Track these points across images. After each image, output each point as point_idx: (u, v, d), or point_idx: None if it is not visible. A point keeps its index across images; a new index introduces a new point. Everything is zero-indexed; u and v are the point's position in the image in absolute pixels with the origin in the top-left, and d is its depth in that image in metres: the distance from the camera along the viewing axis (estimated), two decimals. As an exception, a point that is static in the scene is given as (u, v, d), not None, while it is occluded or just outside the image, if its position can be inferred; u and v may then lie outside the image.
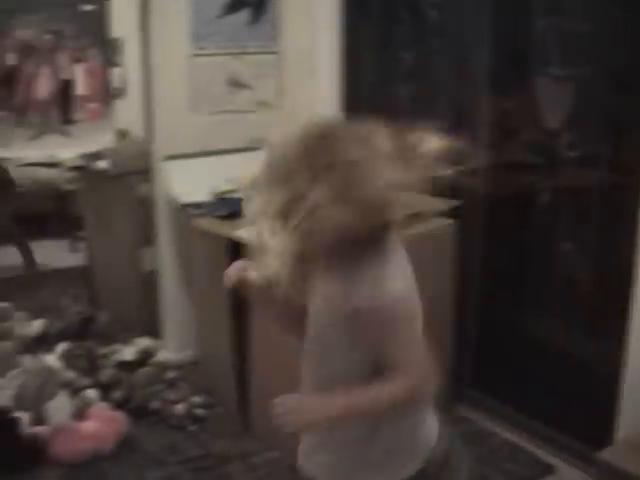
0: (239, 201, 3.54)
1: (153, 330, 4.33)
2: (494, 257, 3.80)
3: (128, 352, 4.04)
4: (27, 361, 3.89)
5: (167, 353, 4.11)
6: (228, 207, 3.51)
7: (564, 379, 3.56)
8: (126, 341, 4.24)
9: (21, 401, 3.59)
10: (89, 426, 3.45)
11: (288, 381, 3.35)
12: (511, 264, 3.76)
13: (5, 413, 3.47)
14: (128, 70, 4.94)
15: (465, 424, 3.74)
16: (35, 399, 3.56)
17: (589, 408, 3.45)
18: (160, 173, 3.99)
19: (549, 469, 3.44)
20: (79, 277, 5.36)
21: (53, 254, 6.09)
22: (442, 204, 3.57)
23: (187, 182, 3.79)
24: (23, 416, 3.49)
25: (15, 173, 6.25)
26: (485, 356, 3.88)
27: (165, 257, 4.16)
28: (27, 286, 5.39)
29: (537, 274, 3.69)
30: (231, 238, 3.38)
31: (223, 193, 3.65)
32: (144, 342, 4.15)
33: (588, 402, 3.48)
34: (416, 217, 3.44)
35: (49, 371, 3.60)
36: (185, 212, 3.72)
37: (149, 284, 4.36)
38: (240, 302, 3.55)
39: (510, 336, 3.83)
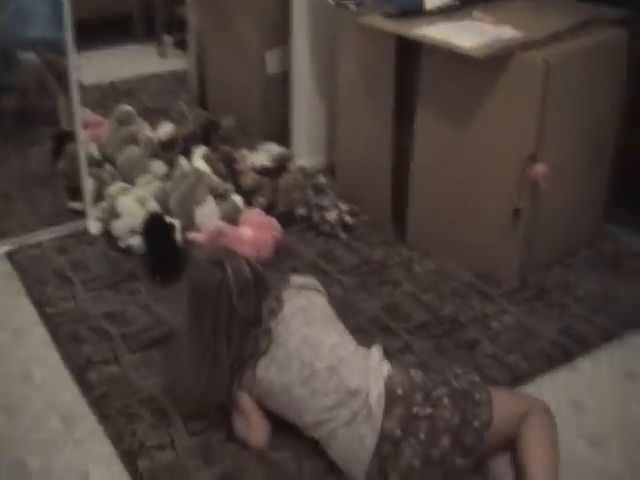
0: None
1: (279, 136, 4.17)
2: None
3: (261, 158, 3.87)
4: (157, 166, 3.74)
5: (303, 160, 3.96)
6: (400, 4, 3.26)
7: None
8: (251, 147, 4.07)
9: (169, 206, 3.47)
10: (247, 232, 3.35)
11: (452, 190, 3.26)
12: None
13: (159, 218, 3.36)
14: None
15: (615, 243, 3.67)
16: (185, 204, 3.44)
17: None
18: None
19: None
20: (179, 82, 5.16)
21: (140, 59, 5.82)
22: (612, 13, 3.34)
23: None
24: (174, 222, 3.38)
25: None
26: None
27: (298, 58, 3.94)
28: (126, 92, 5.18)
29: None
30: (403, 37, 3.17)
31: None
32: (274, 148, 3.98)
33: None
34: (585, 27, 3.23)
35: (198, 174, 3.44)
36: (341, 9, 3.46)
37: (275, 88, 4.17)
38: (402, 106, 3.40)
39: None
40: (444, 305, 3.18)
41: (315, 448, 2.43)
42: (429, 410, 2.24)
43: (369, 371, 2.33)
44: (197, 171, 3.43)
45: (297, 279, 2.61)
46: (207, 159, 3.59)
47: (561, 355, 2.96)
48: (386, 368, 2.36)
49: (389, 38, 3.27)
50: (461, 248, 3.37)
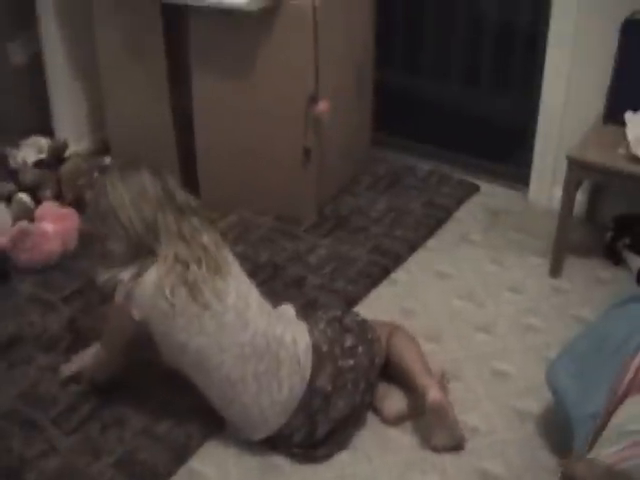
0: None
1: (37, 127, 4.02)
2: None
3: (29, 153, 3.74)
4: None
5: (76, 145, 3.87)
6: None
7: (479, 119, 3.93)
8: (13, 144, 3.90)
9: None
10: (49, 227, 3.27)
11: (240, 143, 3.37)
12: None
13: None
14: None
15: (386, 164, 3.97)
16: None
17: (507, 134, 3.87)
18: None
19: (476, 188, 3.82)
20: None
21: None
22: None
23: None
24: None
25: None
26: (397, 100, 4.05)
27: (49, 44, 3.83)
28: None
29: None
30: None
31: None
32: (39, 141, 3.84)
33: (505, 129, 3.89)
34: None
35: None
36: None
37: (24, 78, 4.00)
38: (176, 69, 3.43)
39: (416, 88, 4.11)
40: (258, 253, 3.31)
41: (194, 410, 2.53)
42: (351, 362, 2.40)
43: (291, 323, 2.44)
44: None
45: None
46: (-23, 164, 3.43)
47: (379, 272, 3.22)
48: (303, 323, 2.47)
49: (152, 3, 3.28)
50: (258, 197, 3.50)
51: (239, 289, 2.37)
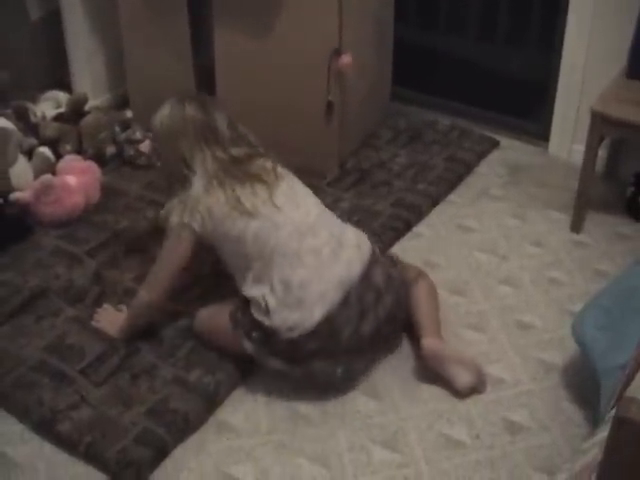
0: None
1: (55, 82, 4.01)
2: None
3: (48, 107, 3.74)
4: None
5: (94, 100, 3.86)
6: None
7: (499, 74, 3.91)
8: (32, 99, 3.90)
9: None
10: (72, 180, 3.27)
11: (263, 96, 3.36)
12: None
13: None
14: None
15: (406, 118, 3.95)
16: (-1, 165, 3.28)
17: (527, 89, 3.85)
18: None
19: (496, 143, 3.81)
20: None
21: None
22: None
23: None
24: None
25: None
26: (417, 55, 4.05)
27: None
28: None
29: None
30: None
31: None
32: (58, 95, 3.84)
33: (525, 84, 3.87)
34: None
35: (5, 134, 3.27)
36: None
37: (42, 32, 3.98)
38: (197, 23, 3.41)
39: (436, 43, 4.10)
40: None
41: (222, 358, 2.57)
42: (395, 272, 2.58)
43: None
44: (3, 130, 3.26)
45: None
46: (6, 116, 3.42)
47: (402, 225, 3.22)
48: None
49: None
50: (280, 151, 3.44)
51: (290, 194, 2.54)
